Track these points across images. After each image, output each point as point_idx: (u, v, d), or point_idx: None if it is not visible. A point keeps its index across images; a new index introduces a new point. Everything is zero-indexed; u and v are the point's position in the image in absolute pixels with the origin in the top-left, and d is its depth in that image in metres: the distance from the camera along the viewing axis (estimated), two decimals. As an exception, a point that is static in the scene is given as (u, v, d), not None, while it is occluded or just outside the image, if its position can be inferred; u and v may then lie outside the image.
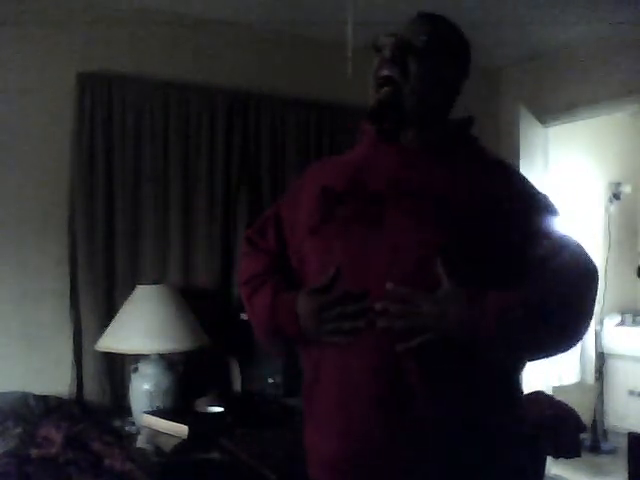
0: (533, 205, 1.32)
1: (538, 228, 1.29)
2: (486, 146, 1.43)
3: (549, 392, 3.59)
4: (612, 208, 4.49)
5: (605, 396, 4.25)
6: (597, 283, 1.29)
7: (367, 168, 1.36)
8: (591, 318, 1.28)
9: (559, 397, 3.01)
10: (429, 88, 1.34)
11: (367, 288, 1.25)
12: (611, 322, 4.38)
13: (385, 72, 1.31)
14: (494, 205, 1.27)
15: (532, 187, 1.37)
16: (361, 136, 1.45)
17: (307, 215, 1.38)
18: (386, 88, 1.31)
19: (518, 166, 3.72)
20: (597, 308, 4.34)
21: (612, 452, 3.98)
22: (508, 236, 1.26)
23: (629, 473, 2.74)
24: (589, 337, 4.31)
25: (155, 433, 2.40)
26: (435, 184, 1.29)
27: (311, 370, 1.36)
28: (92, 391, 2.80)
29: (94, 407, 2.75)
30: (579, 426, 2.76)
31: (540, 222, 1.30)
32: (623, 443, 2.99)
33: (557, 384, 4.08)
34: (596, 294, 1.29)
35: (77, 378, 2.79)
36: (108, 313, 2.80)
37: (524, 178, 1.40)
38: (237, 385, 3.05)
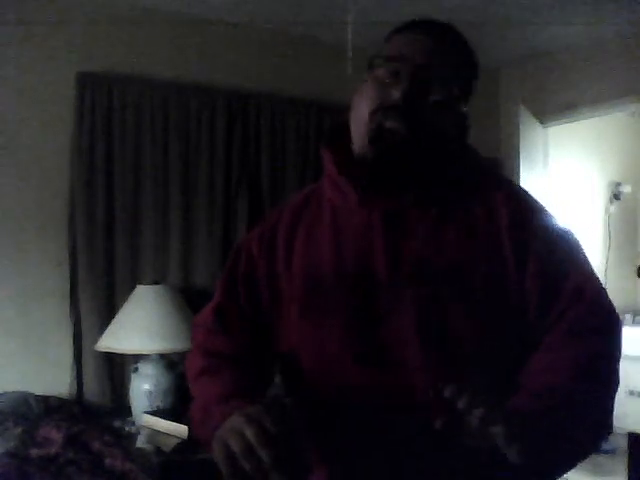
0: (552, 245, 1.08)
1: (557, 274, 1.06)
2: (488, 166, 1.21)
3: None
4: (612, 208, 4.48)
5: (605, 396, 4.25)
6: (619, 339, 1.10)
7: (356, 240, 1.09)
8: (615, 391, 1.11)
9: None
10: (447, 137, 1.07)
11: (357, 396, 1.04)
12: (611, 322, 4.37)
13: (392, 124, 1.02)
14: (514, 258, 1.05)
15: (546, 217, 1.12)
16: (333, 177, 1.15)
17: (292, 285, 1.14)
18: (390, 135, 1.03)
19: (518, 166, 3.72)
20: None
21: (612, 452, 3.98)
22: (526, 289, 1.05)
23: (629, 473, 2.74)
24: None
25: (155, 433, 2.40)
26: (444, 258, 1.05)
27: None
28: (92, 391, 2.79)
29: (94, 407, 2.75)
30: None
31: (559, 267, 1.07)
32: (623, 443, 3.00)
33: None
34: (619, 352, 1.10)
35: (77, 378, 2.79)
36: (108, 313, 2.79)
37: (538, 206, 1.14)
38: (237, 385, 3.05)
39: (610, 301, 1.11)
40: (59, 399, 2.66)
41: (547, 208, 1.15)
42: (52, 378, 2.75)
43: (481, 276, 1.04)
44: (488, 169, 1.19)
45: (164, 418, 2.43)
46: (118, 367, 2.85)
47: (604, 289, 1.12)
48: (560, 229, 1.12)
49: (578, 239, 1.14)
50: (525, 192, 1.17)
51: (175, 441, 2.30)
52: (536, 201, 1.15)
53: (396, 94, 1.02)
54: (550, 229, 1.10)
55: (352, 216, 1.11)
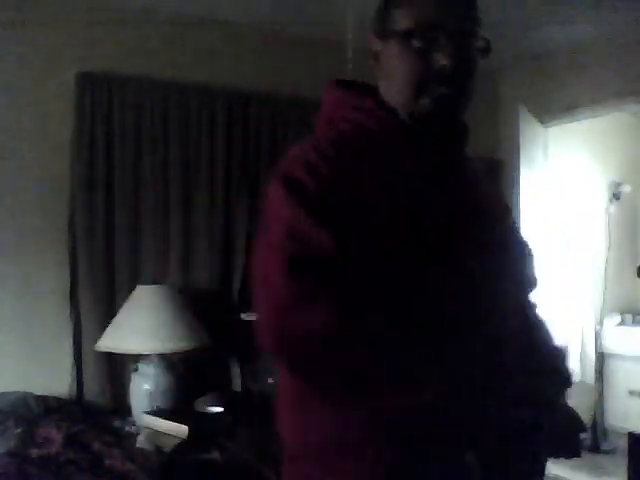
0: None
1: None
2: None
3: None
4: (612, 208, 4.48)
5: (605, 396, 4.25)
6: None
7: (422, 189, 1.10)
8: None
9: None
10: (473, 89, 1.14)
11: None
12: (611, 322, 4.38)
13: (446, 90, 1.08)
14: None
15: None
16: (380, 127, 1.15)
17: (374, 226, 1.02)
18: (445, 92, 1.08)
19: (518, 166, 3.73)
20: (597, 308, 4.35)
21: (612, 452, 3.98)
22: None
23: (629, 473, 2.74)
24: (589, 337, 4.31)
25: (155, 433, 2.40)
26: (484, 204, 1.20)
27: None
28: (92, 391, 2.79)
29: (94, 407, 2.75)
30: (579, 426, 2.75)
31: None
32: (623, 443, 3.00)
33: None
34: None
35: (77, 378, 2.79)
36: (108, 313, 2.79)
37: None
38: (237, 385, 3.05)
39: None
40: (59, 399, 2.66)
41: None
42: (52, 378, 2.74)
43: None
44: None
45: (164, 418, 2.43)
46: (118, 367, 2.85)
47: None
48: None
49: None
50: None
51: (175, 441, 2.30)
52: None
53: (443, 60, 1.06)
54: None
55: (402, 163, 1.11)
